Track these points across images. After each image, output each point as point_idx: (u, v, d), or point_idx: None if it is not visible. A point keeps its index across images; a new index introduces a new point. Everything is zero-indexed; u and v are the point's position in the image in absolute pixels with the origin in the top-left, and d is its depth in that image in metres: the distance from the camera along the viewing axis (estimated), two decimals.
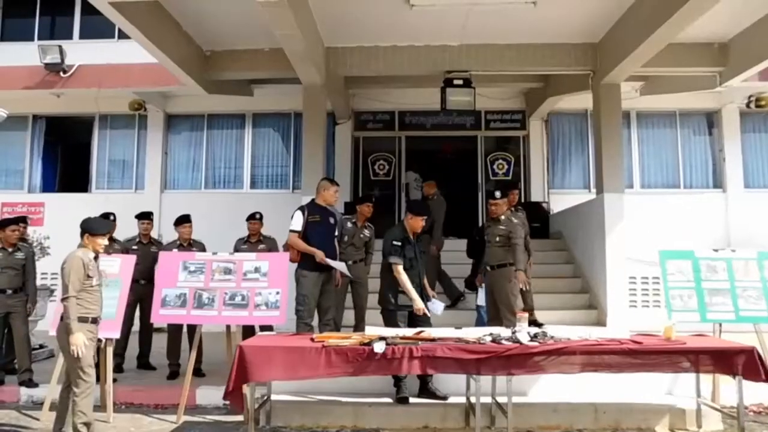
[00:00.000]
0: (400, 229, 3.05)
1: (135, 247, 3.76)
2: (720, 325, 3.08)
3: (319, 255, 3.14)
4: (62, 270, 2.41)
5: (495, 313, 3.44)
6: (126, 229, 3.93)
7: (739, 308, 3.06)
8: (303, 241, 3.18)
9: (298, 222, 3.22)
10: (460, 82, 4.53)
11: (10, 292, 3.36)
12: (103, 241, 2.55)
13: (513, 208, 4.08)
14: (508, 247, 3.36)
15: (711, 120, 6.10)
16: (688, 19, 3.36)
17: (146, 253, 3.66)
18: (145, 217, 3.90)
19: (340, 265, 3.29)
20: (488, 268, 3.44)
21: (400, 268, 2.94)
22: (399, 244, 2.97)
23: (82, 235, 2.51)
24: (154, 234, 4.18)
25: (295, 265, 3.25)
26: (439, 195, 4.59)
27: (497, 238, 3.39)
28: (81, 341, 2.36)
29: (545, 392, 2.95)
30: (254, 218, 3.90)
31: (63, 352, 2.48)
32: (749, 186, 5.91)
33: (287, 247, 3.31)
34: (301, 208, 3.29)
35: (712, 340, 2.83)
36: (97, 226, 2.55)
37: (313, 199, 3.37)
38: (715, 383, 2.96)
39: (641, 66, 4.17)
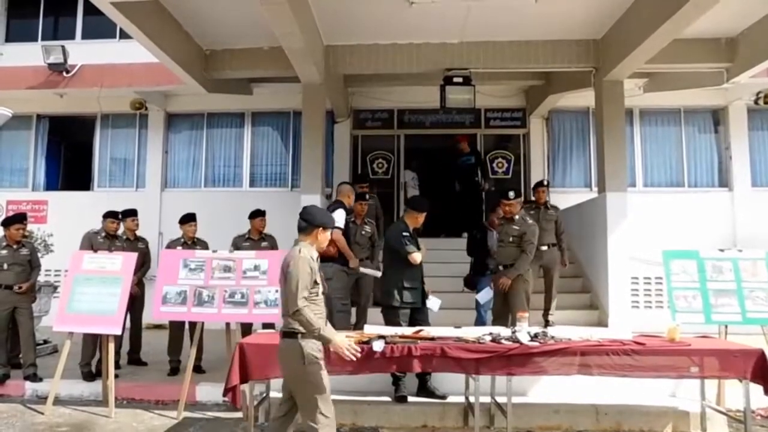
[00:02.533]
0: (404, 224, 3.06)
1: (123, 245, 3.77)
2: (726, 327, 3.03)
3: (354, 262, 3.25)
4: (287, 275, 1.86)
5: (501, 312, 3.41)
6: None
7: (746, 310, 2.99)
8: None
9: (342, 219, 3.28)
10: (460, 79, 4.49)
11: (16, 288, 3.40)
12: (329, 236, 2.03)
13: (543, 206, 4.07)
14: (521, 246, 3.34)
15: (717, 117, 5.99)
16: (694, 13, 3.29)
17: (133, 249, 3.67)
18: (131, 214, 3.92)
19: (376, 273, 3.35)
20: (501, 267, 3.40)
21: (417, 255, 2.93)
22: (408, 234, 2.99)
23: (308, 230, 1.96)
24: (155, 231, 4.19)
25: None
26: (374, 198, 4.56)
27: (511, 238, 3.36)
28: (345, 342, 1.90)
29: (545, 393, 2.92)
30: (261, 215, 3.89)
31: (293, 380, 1.89)
32: (757, 185, 5.80)
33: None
34: (342, 207, 3.34)
35: (718, 341, 2.78)
36: (329, 220, 2.03)
37: (340, 200, 3.42)
38: (721, 386, 2.91)
39: (645, 62, 4.11)
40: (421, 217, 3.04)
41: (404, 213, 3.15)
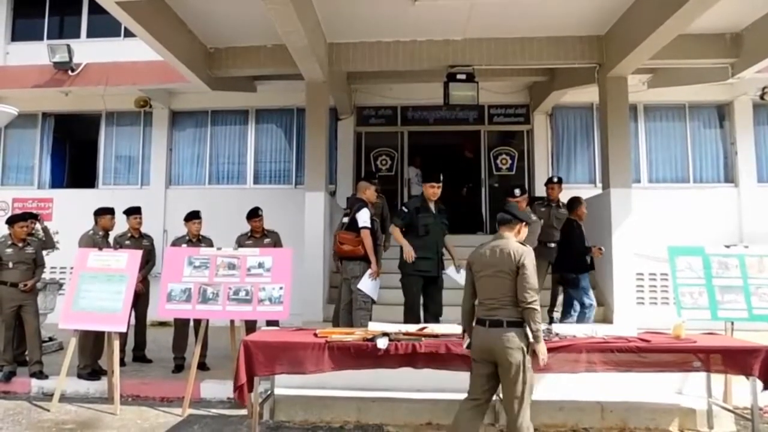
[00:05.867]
0: (417, 198, 3.33)
1: (127, 242, 3.78)
2: (732, 323, 3.00)
3: (375, 266, 3.29)
4: (522, 267, 1.99)
5: None
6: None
7: (753, 306, 2.96)
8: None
9: (367, 219, 3.34)
10: (464, 76, 4.48)
11: (22, 286, 3.42)
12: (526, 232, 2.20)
13: (555, 204, 4.08)
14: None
15: (722, 112, 5.94)
16: (698, 9, 3.27)
17: (138, 247, 3.67)
18: (135, 212, 3.92)
19: (371, 293, 3.34)
20: None
21: (397, 231, 3.20)
22: (406, 210, 3.26)
23: (513, 225, 2.11)
24: (159, 229, 4.20)
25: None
26: (381, 197, 4.61)
27: None
28: (545, 348, 2.03)
29: (550, 390, 2.89)
30: (257, 215, 3.87)
31: (510, 368, 1.96)
32: (763, 180, 5.74)
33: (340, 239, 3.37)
34: (366, 205, 3.41)
35: (725, 338, 2.76)
36: (528, 217, 2.23)
37: (361, 198, 3.49)
38: (727, 383, 2.88)
39: (649, 58, 4.08)
40: (430, 188, 3.22)
41: (423, 188, 3.34)
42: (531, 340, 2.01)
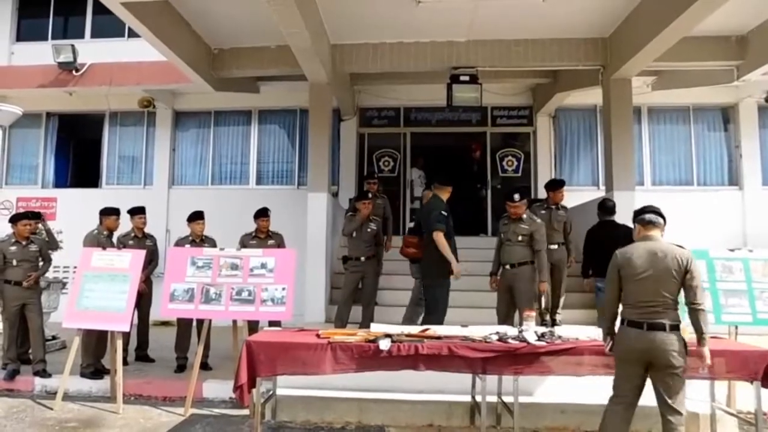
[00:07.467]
0: (442, 201, 3.32)
1: (131, 242, 3.80)
2: (736, 327, 2.98)
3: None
4: (690, 271, 2.02)
5: (508, 312, 3.42)
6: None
7: (757, 310, 2.94)
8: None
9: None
10: (467, 78, 4.49)
11: (25, 283, 3.44)
12: None
13: (555, 206, 4.09)
14: (530, 246, 3.36)
15: (727, 115, 5.92)
16: (703, 11, 3.26)
17: (141, 247, 3.66)
18: (139, 212, 3.93)
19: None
20: (507, 266, 3.41)
21: (443, 238, 3.20)
22: (446, 214, 3.25)
23: (663, 227, 2.16)
24: (162, 228, 4.21)
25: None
26: (384, 198, 4.63)
27: (519, 237, 3.39)
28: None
29: (552, 393, 2.90)
30: (265, 215, 3.88)
31: (669, 371, 2.03)
32: (767, 183, 5.73)
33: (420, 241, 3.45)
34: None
35: (728, 342, 2.74)
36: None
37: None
38: (731, 387, 2.87)
39: (654, 60, 4.07)
40: (450, 192, 3.30)
41: (435, 191, 3.35)
42: (694, 341, 2.04)
